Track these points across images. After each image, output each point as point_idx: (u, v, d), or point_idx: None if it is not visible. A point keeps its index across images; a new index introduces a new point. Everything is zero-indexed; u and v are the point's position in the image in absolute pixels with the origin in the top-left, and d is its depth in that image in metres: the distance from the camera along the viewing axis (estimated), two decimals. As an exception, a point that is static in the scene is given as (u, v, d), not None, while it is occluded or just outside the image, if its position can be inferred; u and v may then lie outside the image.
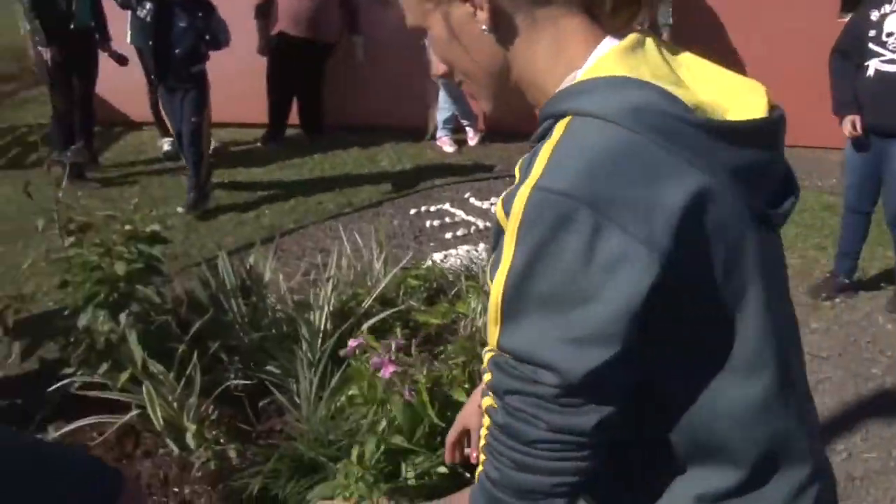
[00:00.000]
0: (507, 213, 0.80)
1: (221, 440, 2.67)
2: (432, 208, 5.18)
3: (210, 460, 2.70)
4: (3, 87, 8.05)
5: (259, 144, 6.55)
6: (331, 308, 2.79)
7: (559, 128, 0.82)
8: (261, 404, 2.82)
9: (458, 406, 2.09)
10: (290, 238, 4.74)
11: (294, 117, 6.62)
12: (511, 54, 0.90)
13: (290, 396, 2.69)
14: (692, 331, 0.85)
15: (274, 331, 2.82)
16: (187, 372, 2.65)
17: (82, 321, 2.58)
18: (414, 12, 0.93)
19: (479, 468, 0.95)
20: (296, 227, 4.88)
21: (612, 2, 0.89)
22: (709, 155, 0.80)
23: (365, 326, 2.80)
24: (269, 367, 2.75)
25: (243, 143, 6.59)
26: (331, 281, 2.82)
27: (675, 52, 0.92)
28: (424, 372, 2.32)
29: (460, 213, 5.08)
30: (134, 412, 2.69)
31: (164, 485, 2.69)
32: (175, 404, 2.67)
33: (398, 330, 2.84)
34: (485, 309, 1.86)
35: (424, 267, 3.32)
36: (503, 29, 0.88)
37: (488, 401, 0.89)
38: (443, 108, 6.37)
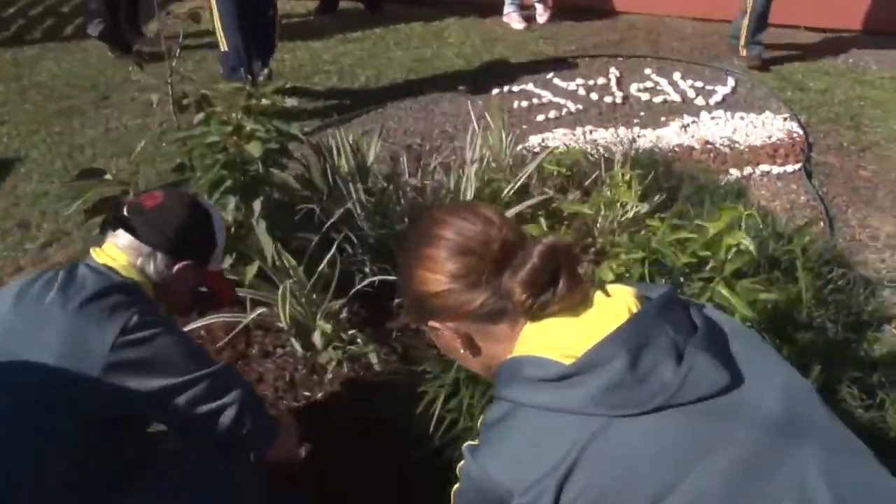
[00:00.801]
0: None
1: (358, 339, 2.42)
2: (515, 88, 4.77)
3: (343, 362, 2.46)
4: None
5: (312, 17, 6.07)
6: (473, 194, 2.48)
7: None
8: (397, 301, 2.56)
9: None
10: (367, 117, 4.38)
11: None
12: (483, 355, 1.24)
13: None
14: None
15: (407, 220, 2.52)
16: (320, 268, 2.37)
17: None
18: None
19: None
20: (374, 107, 4.49)
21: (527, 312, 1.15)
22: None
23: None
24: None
25: (296, 15, 6.10)
26: (475, 165, 2.48)
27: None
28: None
29: (547, 94, 4.68)
30: (259, 310, 2.43)
31: (292, 387, 2.46)
32: (304, 301, 2.41)
33: (542, 220, 2.55)
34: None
35: (559, 151, 2.98)
36: (475, 346, 1.24)
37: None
38: (510, -19, 5.87)
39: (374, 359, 2.40)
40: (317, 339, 2.50)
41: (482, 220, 1.19)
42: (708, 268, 2.26)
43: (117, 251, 1.66)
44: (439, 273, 1.17)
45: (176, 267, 1.68)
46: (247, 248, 2.29)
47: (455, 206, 1.36)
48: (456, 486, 1.22)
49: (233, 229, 2.28)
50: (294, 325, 2.44)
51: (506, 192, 2.63)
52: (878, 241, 3.35)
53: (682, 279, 2.23)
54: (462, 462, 1.16)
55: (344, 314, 2.51)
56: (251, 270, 2.33)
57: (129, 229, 1.66)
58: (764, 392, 1.09)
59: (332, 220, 2.38)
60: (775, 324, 2.28)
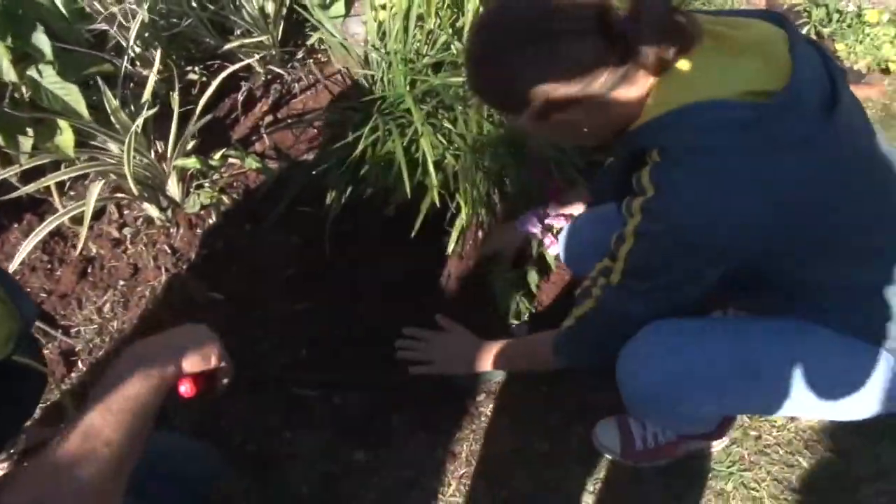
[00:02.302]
0: None
1: (231, 158, 1.95)
2: None
3: (218, 196, 2.00)
4: None
5: None
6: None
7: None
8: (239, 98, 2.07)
9: None
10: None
11: None
12: (600, 121, 1.15)
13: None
14: None
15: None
16: (145, 98, 1.80)
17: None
18: (522, 129, 1.23)
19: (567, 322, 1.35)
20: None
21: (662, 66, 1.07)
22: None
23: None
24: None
25: None
26: None
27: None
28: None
29: None
30: (97, 186, 1.82)
31: (179, 258, 1.96)
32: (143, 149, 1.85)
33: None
34: None
35: None
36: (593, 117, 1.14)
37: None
38: None
39: (259, 167, 1.96)
40: (173, 189, 1.98)
41: None
42: None
43: None
44: (547, 61, 1.06)
45: None
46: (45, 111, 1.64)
47: None
48: (627, 245, 1.15)
49: (10, 88, 1.59)
50: (139, 185, 1.87)
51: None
52: None
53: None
54: (639, 219, 1.11)
55: (192, 143, 1.98)
56: (68, 139, 1.69)
57: None
58: None
59: (134, 28, 1.78)
60: None
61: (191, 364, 0.95)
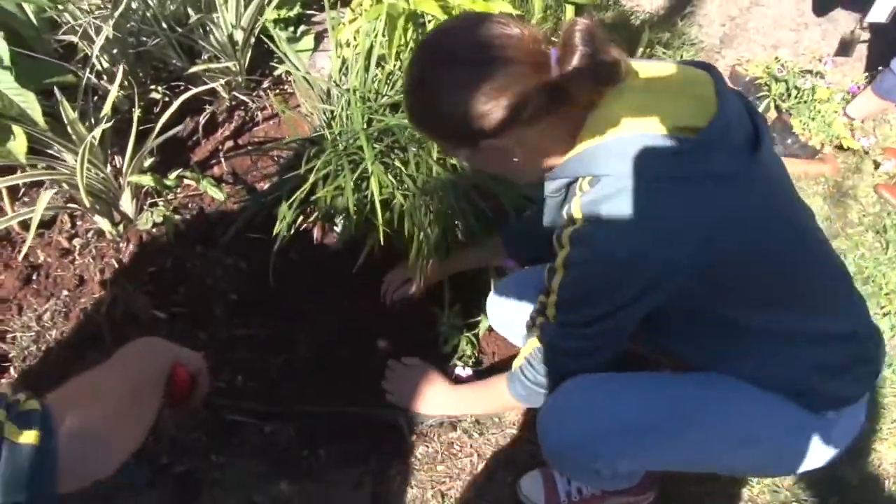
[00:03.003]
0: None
1: (186, 179, 1.96)
2: None
3: (170, 215, 2.01)
4: None
5: None
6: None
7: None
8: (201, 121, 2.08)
9: None
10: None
11: None
12: (530, 155, 1.20)
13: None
14: None
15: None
16: (104, 112, 1.81)
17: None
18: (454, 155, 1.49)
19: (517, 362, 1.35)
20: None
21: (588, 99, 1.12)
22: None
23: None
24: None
25: None
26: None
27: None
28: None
29: None
30: (47, 195, 1.83)
31: (123, 270, 1.96)
32: (99, 161, 1.86)
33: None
34: None
35: None
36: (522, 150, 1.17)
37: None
38: None
39: (215, 193, 1.97)
40: (126, 204, 1.98)
41: (500, 25, 1.09)
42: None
43: None
44: (480, 93, 1.08)
45: None
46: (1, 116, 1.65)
47: (463, 19, 1.16)
48: (558, 278, 1.17)
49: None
50: (91, 197, 1.88)
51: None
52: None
53: None
54: (568, 250, 1.13)
55: (150, 161, 2.00)
56: (21, 145, 1.70)
57: None
58: None
59: (99, 42, 1.79)
60: None
61: (185, 357, 1.07)
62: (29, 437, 0.82)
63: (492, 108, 1.09)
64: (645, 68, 1.17)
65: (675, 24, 2.73)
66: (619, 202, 1.08)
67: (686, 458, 1.32)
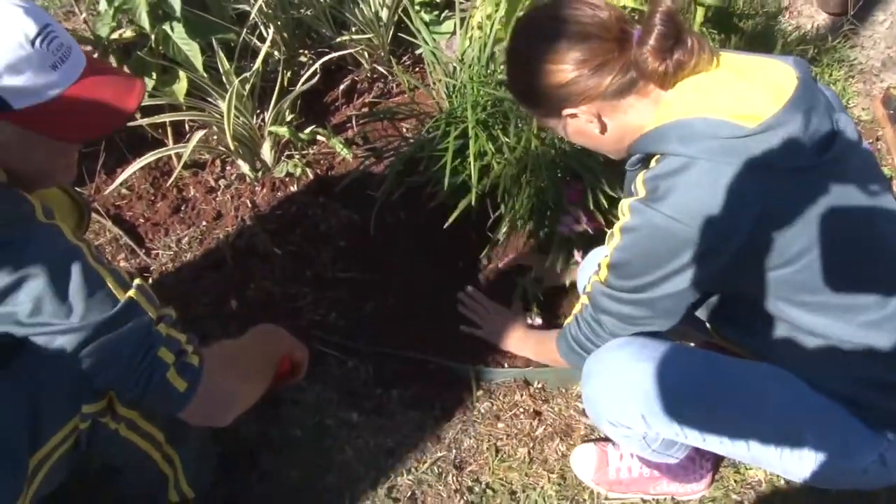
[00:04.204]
0: None
1: (318, 137, 2.17)
2: None
3: (305, 168, 2.22)
4: None
5: None
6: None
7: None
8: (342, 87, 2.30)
9: None
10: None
11: None
12: (613, 129, 1.28)
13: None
14: None
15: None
16: (256, 66, 2.06)
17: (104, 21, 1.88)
18: (545, 125, 1.48)
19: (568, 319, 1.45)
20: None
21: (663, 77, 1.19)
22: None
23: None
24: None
25: None
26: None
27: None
28: None
29: None
30: (198, 134, 2.10)
31: (256, 212, 2.19)
32: (246, 111, 2.11)
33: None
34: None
35: None
36: (604, 124, 1.27)
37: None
38: None
39: (343, 151, 2.17)
40: (266, 153, 2.23)
41: (589, 5, 1.22)
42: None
43: None
44: (565, 62, 1.20)
45: None
46: (169, 59, 1.93)
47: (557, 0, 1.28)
48: (614, 242, 1.25)
49: (152, 37, 1.90)
50: (237, 143, 2.13)
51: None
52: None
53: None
54: (627, 218, 1.22)
55: (289, 117, 2.23)
56: (182, 87, 1.98)
57: None
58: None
59: (257, 6, 2.05)
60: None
61: (282, 350, 1.50)
62: (181, 385, 1.17)
63: (575, 77, 1.20)
64: (729, 57, 1.24)
65: (833, 45, 2.64)
66: (676, 179, 1.16)
67: (720, 434, 1.32)
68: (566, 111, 1.25)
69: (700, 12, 2.03)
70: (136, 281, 1.18)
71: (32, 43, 1.06)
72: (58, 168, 1.21)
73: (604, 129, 1.27)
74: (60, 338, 1.10)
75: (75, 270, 1.09)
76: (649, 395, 1.29)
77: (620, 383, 1.32)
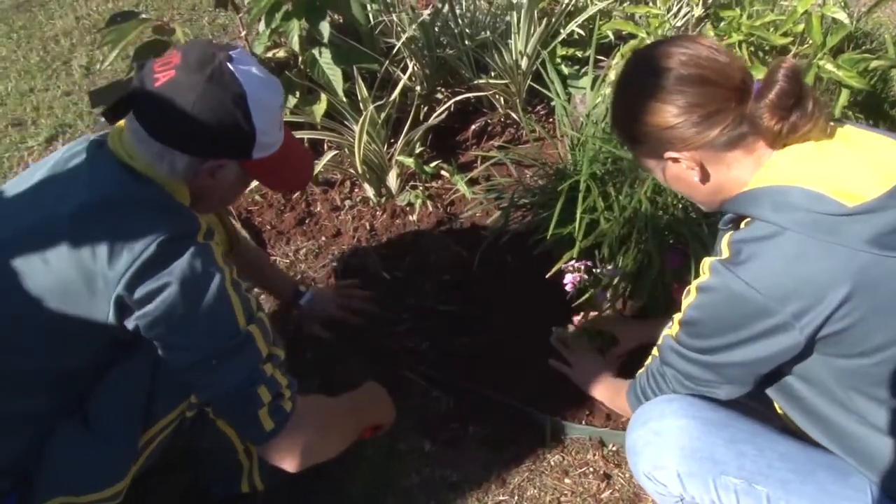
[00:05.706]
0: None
1: (443, 172, 2.25)
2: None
3: (426, 200, 2.30)
4: None
5: None
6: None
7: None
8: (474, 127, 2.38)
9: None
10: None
11: None
12: (712, 181, 1.23)
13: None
14: None
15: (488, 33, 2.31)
16: (392, 97, 2.18)
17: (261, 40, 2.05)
18: (642, 165, 1.36)
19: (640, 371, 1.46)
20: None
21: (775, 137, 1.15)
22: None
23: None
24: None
25: None
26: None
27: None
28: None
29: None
30: (330, 154, 2.23)
31: (374, 235, 2.29)
32: (377, 137, 2.22)
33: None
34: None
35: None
36: (705, 173, 1.23)
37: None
38: None
39: (464, 188, 2.24)
40: (392, 180, 2.33)
41: (711, 49, 1.17)
42: (806, 45, 2.17)
43: (132, 145, 1.24)
44: (675, 104, 1.16)
45: (204, 166, 1.25)
46: (313, 82, 2.08)
47: (678, 37, 1.26)
48: (689, 299, 1.23)
49: (300, 59, 2.05)
50: (366, 167, 2.25)
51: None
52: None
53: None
54: (706, 277, 1.18)
55: (419, 149, 2.33)
56: (320, 108, 2.12)
57: (139, 116, 1.22)
58: None
59: (401, 41, 2.18)
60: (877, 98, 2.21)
61: (374, 418, 1.65)
62: (268, 425, 1.28)
63: (682, 121, 1.16)
64: (847, 129, 1.20)
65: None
66: (760, 246, 1.13)
67: None
68: (668, 154, 1.21)
69: (845, 94, 1.97)
70: (260, 314, 1.29)
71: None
72: (233, 201, 1.41)
73: (705, 178, 1.23)
74: (177, 352, 1.24)
75: (211, 290, 1.21)
76: (685, 453, 1.26)
77: (659, 435, 1.29)
